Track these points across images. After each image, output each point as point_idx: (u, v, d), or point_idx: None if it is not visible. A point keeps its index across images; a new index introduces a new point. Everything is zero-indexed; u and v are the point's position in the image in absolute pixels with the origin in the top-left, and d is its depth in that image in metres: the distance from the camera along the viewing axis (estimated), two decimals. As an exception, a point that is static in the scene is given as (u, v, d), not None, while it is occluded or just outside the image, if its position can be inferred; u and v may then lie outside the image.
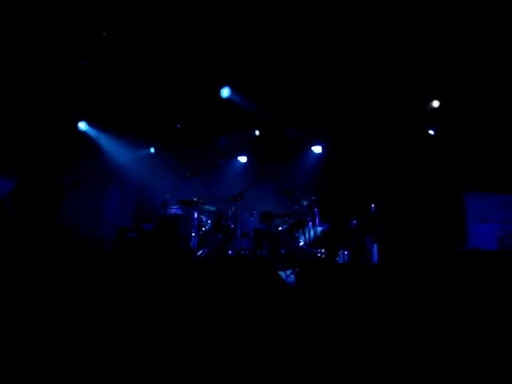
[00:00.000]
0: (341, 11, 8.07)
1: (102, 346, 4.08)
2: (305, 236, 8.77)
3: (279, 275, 6.48)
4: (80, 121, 11.43)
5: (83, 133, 11.51)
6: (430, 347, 3.97)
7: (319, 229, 8.80)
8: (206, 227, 9.37)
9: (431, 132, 9.51)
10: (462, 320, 4.20)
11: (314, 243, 8.70)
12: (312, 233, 8.75)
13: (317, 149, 10.85)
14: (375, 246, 7.74)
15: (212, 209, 9.59)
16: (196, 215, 9.23)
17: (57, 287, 5.36)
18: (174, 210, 9.58)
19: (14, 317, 3.63)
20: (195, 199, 9.29)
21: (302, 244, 8.76)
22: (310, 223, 8.84)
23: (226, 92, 10.63)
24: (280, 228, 9.08)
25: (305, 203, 8.99)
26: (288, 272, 8.14)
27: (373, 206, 8.12)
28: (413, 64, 9.02)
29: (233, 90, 10.64)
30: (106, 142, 11.65)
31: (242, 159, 11.56)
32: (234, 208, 9.26)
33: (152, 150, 12.16)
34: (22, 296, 4.36)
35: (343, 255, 8.00)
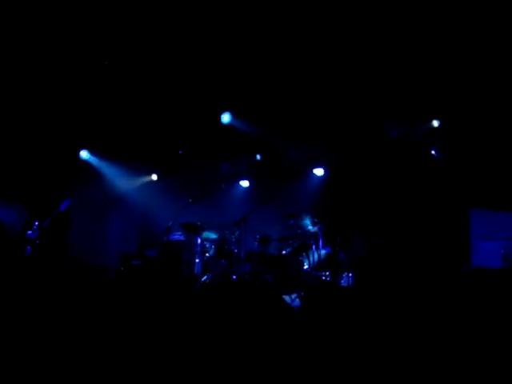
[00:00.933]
0: (340, 34, 8.15)
1: (105, 371, 4.06)
2: (309, 259, 8.76)
3: (284, 299, 6.46)
4: (82, 149, 11.49)
5: (85, 161, 11.56)
6: (436, 366, 3.94)
7: (323, 252, 8.78)
8: (210, 253, 9.36)
9: (433, 152, 9.52)
10: (466, 339, 4.17)
11: (318, 266, 8.67)
12: (316, 256, 8.73)
13: (318, 171, 10.87)
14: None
15: (214, 236, 9.58)
16: (199, 241, 9.23)
17: (63, 315, 5.36)
18: (177, 236, 9.59)
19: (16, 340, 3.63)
20: (198, 223, 9.30)
21: (306, 267, 8.74)
22: (314, 246, 8.82)
23: (226, 118, 10.69)
24: (284, 252, 9.06)
25: (308, 226, 8.98)
26: (293, 296, 8.11)
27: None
28: (414, 84, 9.08)
29: (233, 115, 10.71)
30: (108, 169, 11.69)
31: (244, 184, 11.58)
32: (237, 233, 9.26)
33: (154, 176, 12.19)
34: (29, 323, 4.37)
35: (348, 278, 7.97)
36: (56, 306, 5.78)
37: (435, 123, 9.98)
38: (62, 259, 8.41)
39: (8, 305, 5.62)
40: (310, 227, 8.98)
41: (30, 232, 8.16)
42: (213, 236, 9.51)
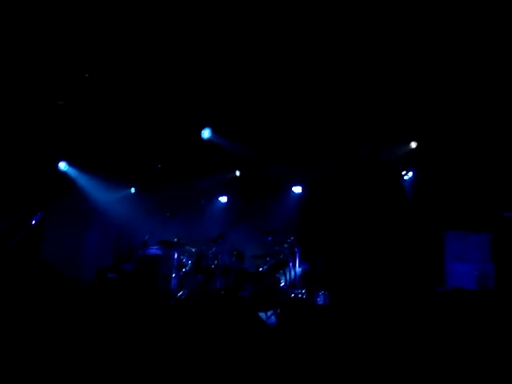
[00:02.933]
0: (318, 54, 8.25)
1: None
2: (285, 276, 8.77)
3: (259, 316, 6.44)
4: (60, 161, 11.41)
5: (63, 173, 11.48)
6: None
7: (299, 269, 8.80)
8: (187, 268, 9.32)
9: (409, 173, 9.63)
10: (441, 358, 4.21)
11: (294, 284, 8.69)
12: (293, 273, 8.75)
13: (297, 189, 10.94)
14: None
15: (192, 249, 9.56)
16: (176, 255, 9.19)
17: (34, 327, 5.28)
18: (154, 250, 9.53)
19: None
20: (176, 240, 9.26)
21: (282, 284, 8.75)
22: (291, 263, 8.84)
23: (206, 133, 10.73)
24: (261, 268, 9.07)
25: (285, 244, 8.99)
26: (269, 313, 8.10)
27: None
28: (390, 107, 9.21)
29: (213, 131, 10.75)
30: (85, 181, 11.62)
31: (223, 199, 11.59)
32: (214, 248, 9.25)
33: (132, 190, 12.14)
34: None
35: (324, 296, 7.99)
36: (27, 318, 5.70)
37: (413, 145, 10.14)
38: (34, 273, 8.28)
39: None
40: (286, 243, 9.00)
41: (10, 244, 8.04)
42: (192, 250, 9.49)
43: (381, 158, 5.13)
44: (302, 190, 10.85)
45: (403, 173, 9.05)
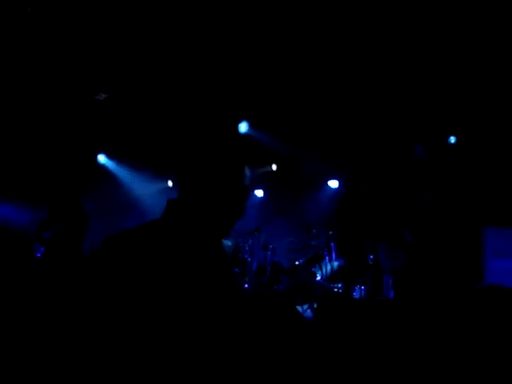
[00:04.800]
0: (360, 48, 8.21)
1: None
2: (322, 271, 8.77)
3: (297, 310, 6.48)
4: (99, 154, 11.61)
5: (102, 165, 11.67)
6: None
7: (336, 263, 8.80)
8: (224, 261, 9.38)
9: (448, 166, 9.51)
10: (479, 355, 4.18)
11: (331, 278, 8.68)
12: (329, 267, 8.75)
13: (333, 183, 10.91)
14: (391, 280, 7.71)
15: (229, 243, 9.62)
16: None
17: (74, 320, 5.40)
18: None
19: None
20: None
21: (319, 279, 8.75)
22: (327, 258, 8.84)
23: (243, 127, 10.76)
24: (297, 262, 9.08)
25: (321, 238, 9.00)
26: (305, 307, 8.12)
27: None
28: (429, 98, 9.10)
29: (250, 124, 10.78)
30: (124, 174, 11.79)
31: (259, 193, 11.62)
32: (250, 242, 9.30)
33: (170, 182, 12.26)
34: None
35: (360, 290, 7.97)
36: (67, 310, 5.82)
37: (452, 139, 9.99)
38: (75, 263, 8.43)
39: (13, 306, 5.66)
40: (323, 237, 9.01)
41: (46, 234, 8.23)
42: (228, 243, 9.55)
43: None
44: (338, 184, 10.81)
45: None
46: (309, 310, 8.02)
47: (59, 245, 8.20)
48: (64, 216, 8.33)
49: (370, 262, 8.24)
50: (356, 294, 8.03)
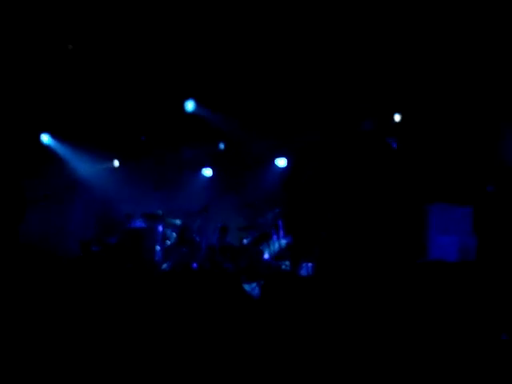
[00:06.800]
0: (311, 29, 8.19)
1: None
2: (269, 249, 8.82)
3: (243, 288, 6.50)
4: (43, 133, 11.29)
5: (46, 145, 11.36)
6: (390, 358, 4.04)
7: (284, 241, 8.85)
8: (171, 240, 9.33)
9: (393, 144, 9.65)
10: (420, 328, 4.28)
11: (278, 256, 8.74)
12: (277, 245, 8.80)
13: (281, 162, 10.93)
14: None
15: (177, 222, 9.56)
16: (161, 229, 9.19)
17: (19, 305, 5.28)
18: (138, 223, 9.52)
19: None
20: (160, 213, 9.25)
21: (266, 257, 8.80)
22: (275, 236, 8.89)
23: (190, 105, 10.63)
24: (244, 241, 9.10)
25: (269, 216, 9.03)
26: (253, 285, 8.16)
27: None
28: (374, 78, 9.18)
29: (197, 102, 10.66)
30: (69, 154, 11.51)
31: (207, 172, 11.55)
32: (198, 221, 9.27)
33: (116, 162, 12.04)
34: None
35: (307, 267, 8.05)
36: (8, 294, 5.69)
37: (397, 117, 10.12)
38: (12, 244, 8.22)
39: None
40: (270, 215, 9.04)
41: None
42: (177, 222, 9.49)
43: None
44: (286, 162, 10.84)
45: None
46: (257, 288, 8.06)
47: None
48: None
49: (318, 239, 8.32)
50: (303, 272, 8.11)
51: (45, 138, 11.32)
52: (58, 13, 7.93)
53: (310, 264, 8.07)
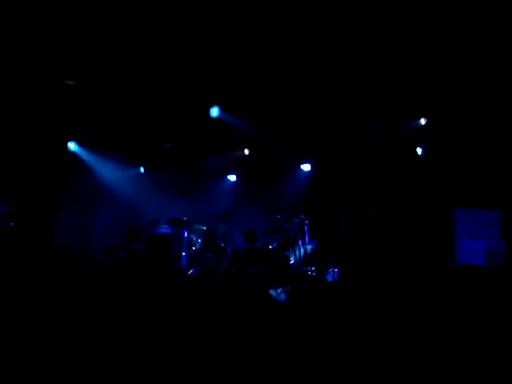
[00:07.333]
0: (327, 34, 8.18)
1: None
2: (295, 254, 8.77)
3: (270, 294, 6.47)
4: (70, 141, 11.45)
5: (73, 153, 11.52)
6: (421, 361, 3.98)
7: (309, 247, 8.81)
8: (196, 246, 9.35)
9: (419, 149, 9.58)
10: (452, 333, 4.22)
11: (304, 261, 8.70)
12: (302, 251, 8.76)
13: (306, 167, 10.90)
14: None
15: (202, 228, 9.58)
16: (186, 234, 9.22)
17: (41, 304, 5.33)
18: (164, 229, 9.56)
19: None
20: (185, 218, 9.28)
21: (292, 262, 8.76)
22: (300, 241, 8.84)
23: (215, 111, 10.67)
24: (270, 246, 9.08)
25: (295, 221, 9.00)
26: (279, 290, 8.12)
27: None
28: (401, 82, 9.13)
29: (222, 109, 10.69)
30: (95, 162, 11.65)
31: (232, 178, 11.58)
32: (223, 227, 9.27)
33: (142, 169, 12.16)
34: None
35: (333, 273, 8.00)
36: (35, 294, 5.75)
37: (422, 121, 10.04)
38: (44, 247, 8.33)
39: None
40: (296, 220, 9.00)
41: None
42: (202, 228, 9.51)
43: (394, 132, 5.08)
44: (311, 167, 10.81)
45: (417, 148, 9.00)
46: (283, 294, 8.03)
47: (26, 235, 8.10)
48: (31, 206, 8.22)
49: (343, 245, 8.27)
50: (329, 277, 8.05)
51: (71, 146, 11.49)
52: (87, 24, 8.02)
53: (336, 269, 8.02)
